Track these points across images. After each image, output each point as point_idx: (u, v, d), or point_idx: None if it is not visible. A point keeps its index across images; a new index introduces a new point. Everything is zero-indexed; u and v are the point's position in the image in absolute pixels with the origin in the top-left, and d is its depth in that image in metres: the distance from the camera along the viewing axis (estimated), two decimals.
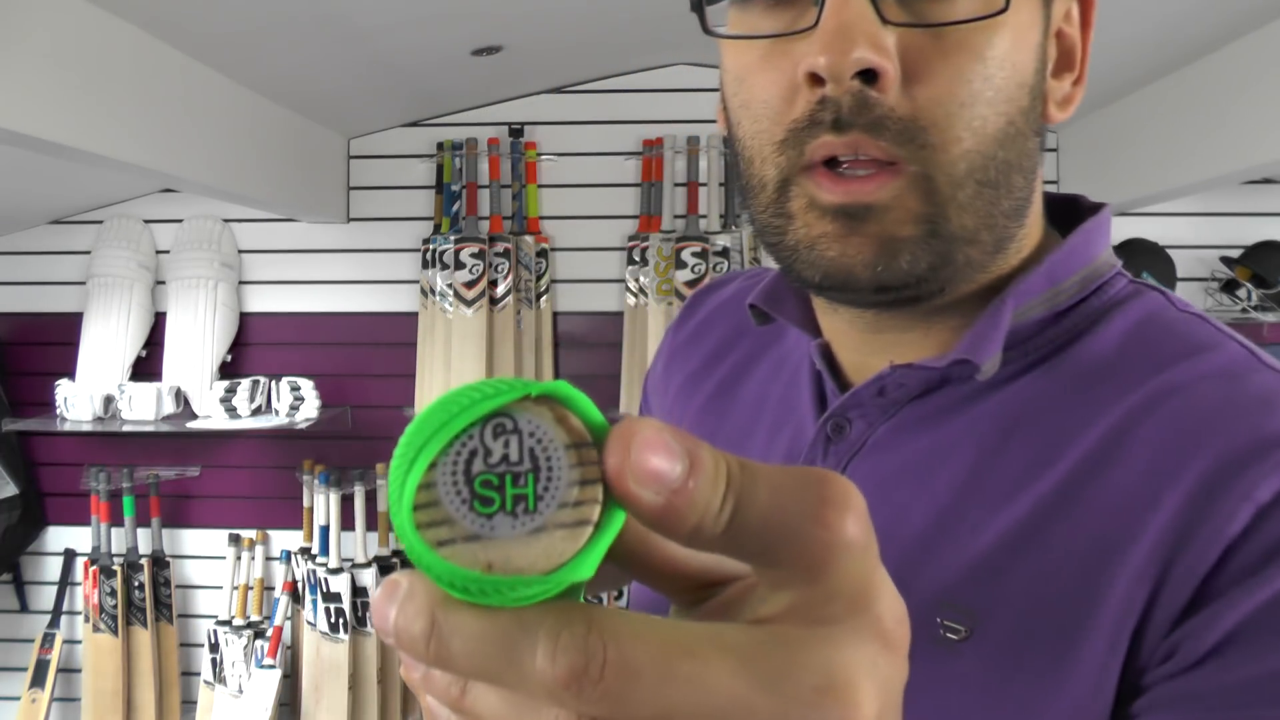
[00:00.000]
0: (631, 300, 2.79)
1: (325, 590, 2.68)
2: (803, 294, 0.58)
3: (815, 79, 0.44)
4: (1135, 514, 0.43)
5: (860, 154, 0.45)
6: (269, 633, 2.74)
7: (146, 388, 2.66)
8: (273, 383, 2.74)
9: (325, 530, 2.73)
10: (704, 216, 2.79)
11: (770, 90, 0.46)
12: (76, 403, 2.65)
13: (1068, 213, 0.54)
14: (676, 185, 2.83)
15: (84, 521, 2.84)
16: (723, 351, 0.63)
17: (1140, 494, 0.43)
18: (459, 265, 2.76)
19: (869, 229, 0.46)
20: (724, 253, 2.73)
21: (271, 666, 2.70)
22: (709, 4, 0.47)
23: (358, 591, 2.71)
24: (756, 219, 0.50)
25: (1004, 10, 0.43)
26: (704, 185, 2.81)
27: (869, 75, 0.43)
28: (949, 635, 0.46)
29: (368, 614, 2.72)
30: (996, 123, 0.45)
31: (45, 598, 2.92)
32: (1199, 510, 0.42)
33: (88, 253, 2.89)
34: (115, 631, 2.71)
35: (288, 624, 2.79)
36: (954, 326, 0.52)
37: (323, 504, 2.74)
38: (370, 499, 2.79)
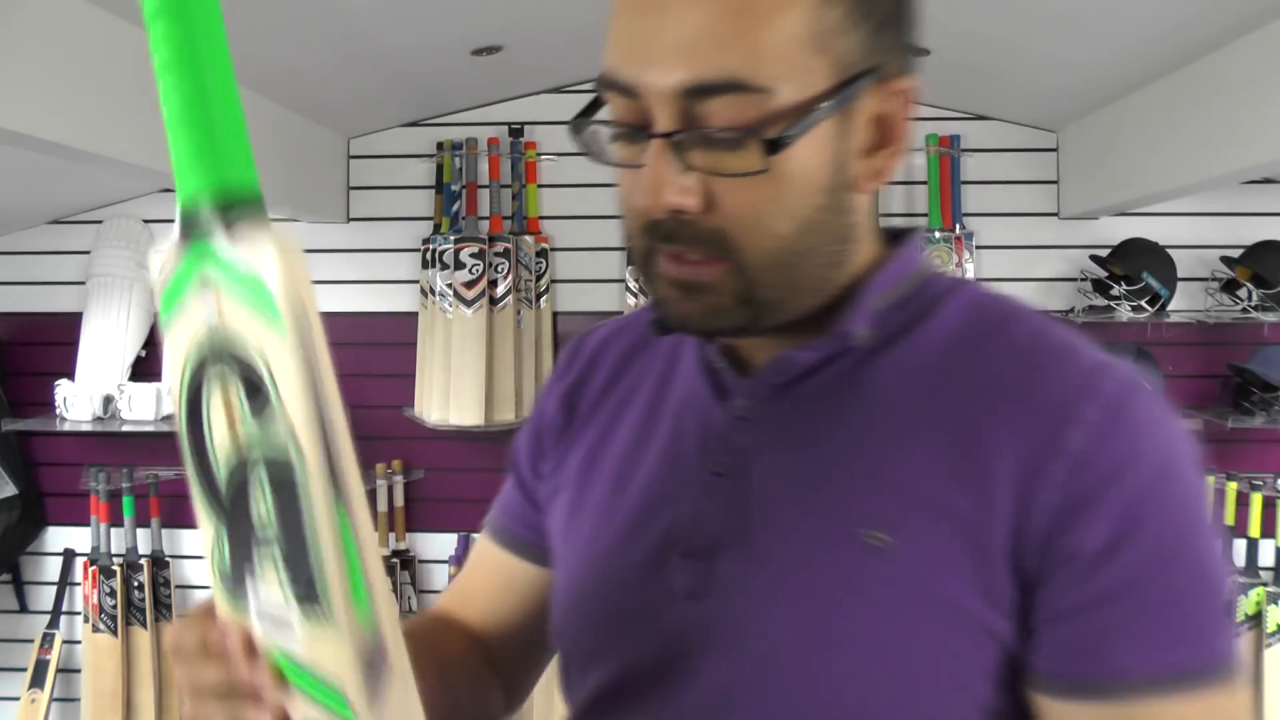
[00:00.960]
0: (632, 300, 2.79)
1: None
2: None
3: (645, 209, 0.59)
4: (998, 438, 0.59)
5: (684, 257, 0.60)
6: None
7: (146, 388, 2.66)
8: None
9: None
10: None
11: (630, 196, 0.61)
12: (76, 403, 2.65)
13: (896, 235, 0.70)
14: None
15: (83, 522, 2.84)
16: (615, 376, 0.76)
17: (997, 423, 0.59)
18: (459, 265, 2.76)
19: (699, 299, 0.61)
20: None
21: None
22: (582, 131, 0.63)
23: None
24: (639, 272, 0.64)
25: (764, 171, 0.56)
26: None
27: (677, 209, 0.58)
28: (873, 543, 0.59)
29: None
30: (789, 225, 0.59)
31: (45, 598, 2.92)
32: (1048, 436, 0.58)
33: (87, 253, 2.89)
34: (115, 632, 2.71)
35: None
36: (823, 318, 0.64)
37: None
38: (370, 499, 2.78)
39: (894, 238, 0.69)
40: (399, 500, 2.85)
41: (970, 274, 2.74)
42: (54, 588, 2.89)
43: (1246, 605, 2.63)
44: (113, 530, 2.81)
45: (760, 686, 0.61)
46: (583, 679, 0.70)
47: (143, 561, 2.78)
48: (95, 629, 2.72)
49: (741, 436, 0.66)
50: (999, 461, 0.58)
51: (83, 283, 2.88)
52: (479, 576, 0.85)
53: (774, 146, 0.56)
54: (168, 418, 2.68)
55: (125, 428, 2.66)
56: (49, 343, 2.90)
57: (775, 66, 0.56)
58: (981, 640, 0.59)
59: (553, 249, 2.87)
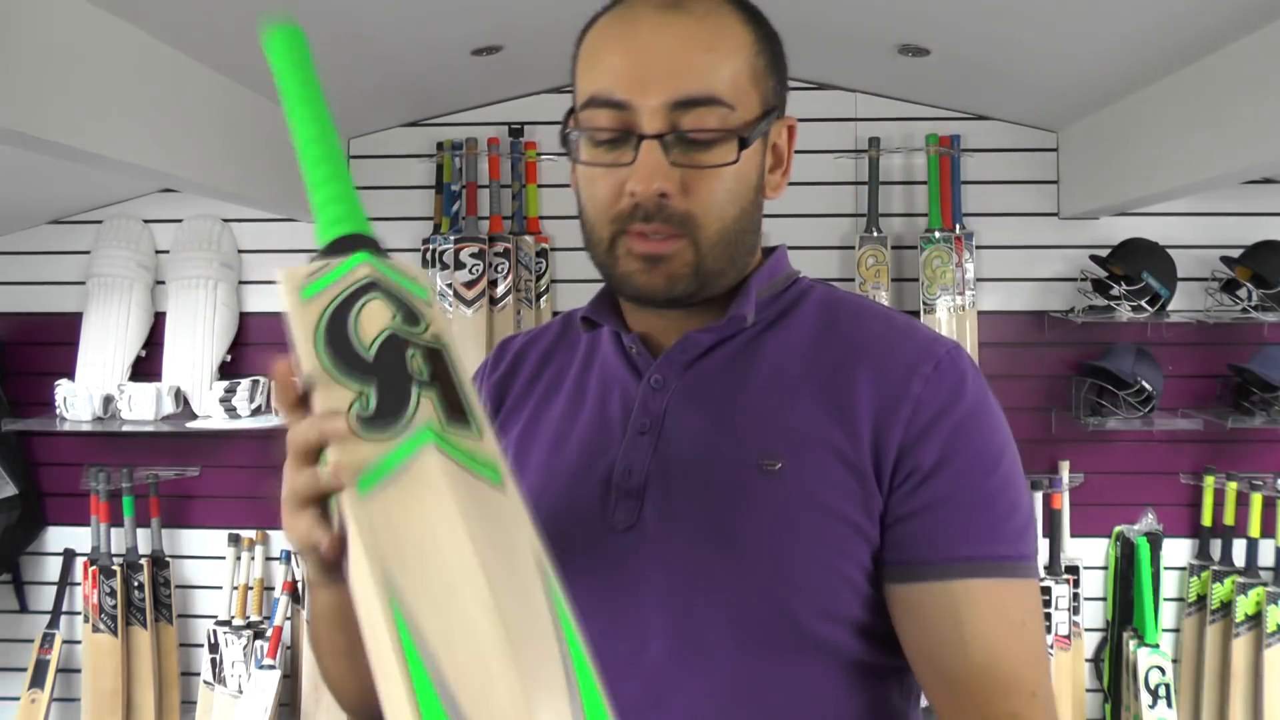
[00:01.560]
0: None
1: None
2: (615, 305, 0.90)
3: (633, 194, 0.77)
4: (858, 387, 0.80)
5: (659, 233, 0.78)
6: (269, 633, 2.74)
7: (146, 388, 2.66)
8: (273, 383, 2.74)
9: None
10: None
11: (606, 192, 0.79)
12: (76, 403, 2.65)
13: (768, 250, 0.92)
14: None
15: (84, 522, 2.84)
16: (539, 370, 0.94)
17: (856, 377, 0.80)
18: (459, 265, 2.76)
19: (661, 269, 0.79)
20: None
21: (271, 667, 2.70)
22: (568, 143, 0.82)
23: None
24: (596, 258, 0.83)
25: (735, 162, 0.78)
26: None
27: (663, 193, 0.77)
28: (768, 469, 0.78)
29: None
30: (734, 212, 0.80)
31: (45, 598, 2.92)
32: (895, 387, 0.79)
33: (88, 253, 2.89)
34: (115, 632, 2.71)
35: (287, 624, 2.79)
36: (718, 307, 0.85)
37: None
38: None
39: (766, 251, 0.91)
40: None
41: (970, 274, 2.75)
42: (54, 588, 2.89)
43: (1246, 605, 2.63)
44: (113, 530, 2.81)
45: (684, 588, 0.78)
46: None
47: (143, 561, 2.78)
48: (95, 629, 2.72)
49: (657, 402, 0.84)
50: (863, 406, 0.79)
51: (83, 283, 2.88)
52: None
53: (743, 144, 0.79)
54: (168, 418, 2.68)
55: (125, 428, 2.66)
56: (49, 343, 2.90)
57: (734, 91, 0.79)
58: (856, 539, 0.77)
59: (553, 249, 2.87)
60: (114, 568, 2.74)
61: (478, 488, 0.59)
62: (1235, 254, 2.67)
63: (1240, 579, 2.66)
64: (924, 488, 0.77)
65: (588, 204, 0.82)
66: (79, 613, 2.85)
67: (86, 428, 2.67)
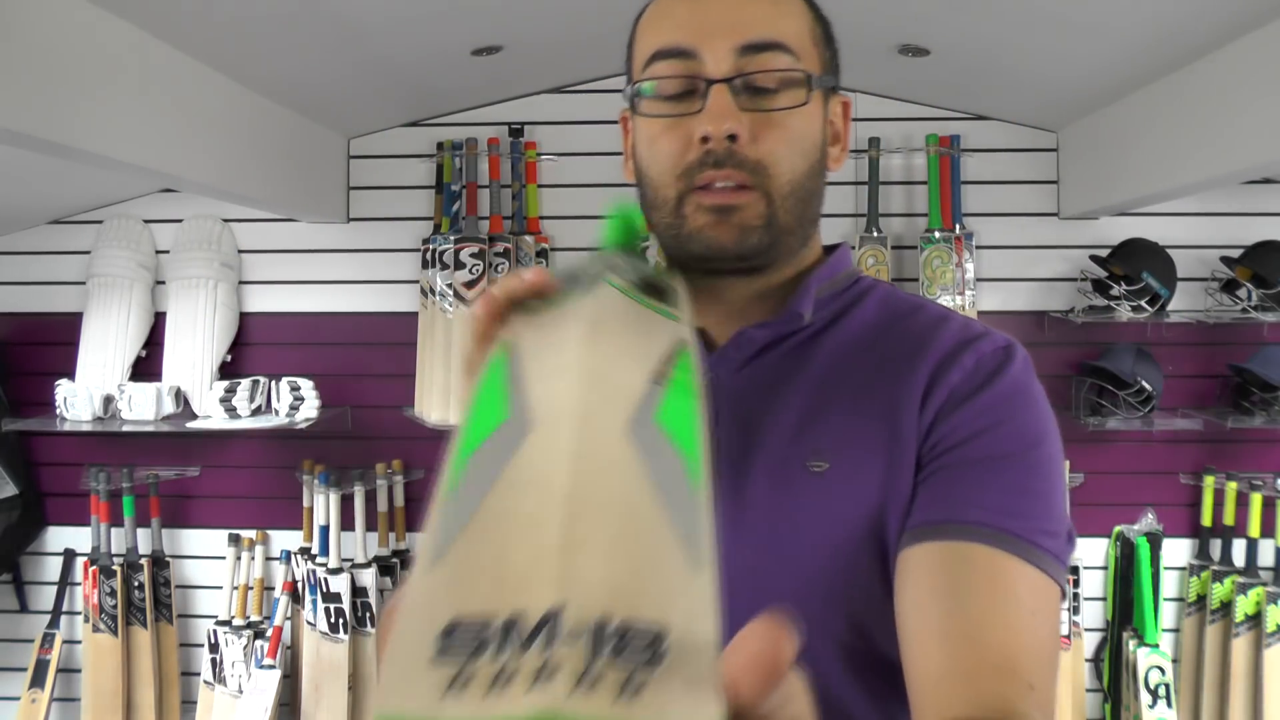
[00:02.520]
0: None
1: (325, 590, 2.68)
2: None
3: (704, 140, 0.77)
4: (904, 382, 0.78)
5: (731, 180, 0.77)
6: (269, 633, 2.74)
7: (146, 388, 2.67)
8: (273, 383, 2.74)
9: (325, 530, 2.73)
10: None
11: (673, 146, 0.79)
12: (76, 403, 2.65)
13: (829, 247, 0.92)
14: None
15: (84, 521, 2.84)
16: None
17: (905, 373, 0.79)
18: (459, 265, 2.76)
19: (733, 220, 0.78)
20: None
21: (271, 667, 2.70)
22: (634, 98, 0.82)
23: (358, 592, 2.71)
24: (660, 222, 0.81)
25: (805, 104, 0.79)
26: None
27: (732, 137, 0.76)
28: (815, 470, 0.78)
29: (368, 614, 2.72)
30: (803, 165, 0.80)
31: (45, 598, 2.92)
32: (935, 378, 0.78)
33: (88, 253, 2.89)
34: (115, 631, 2.71)
35: (288, 624, 2.79)
36: (777, 300, 0.85)
37: (322, 504, 2.74)
38: (370, 499, 2.79)
39: (828, 249, 0.90)
40: (399, 500, 2.85)
41: (970, 274, 2.75)
42: (54, 588, 2.90)
43: (1246, 605, 2.63)
44: (113, 530, 2.81)
45: (726, 592, 0.70)
46: None
47: (143, 561, 2.78)
48: (95, 629, 2.72)
49: (711, 401, 0.80)
50: (907, 403, 0.78)
51: (83, 283, 2.88)
52: None
53: (810, 85, 0.79)
54: (168, 418, 2.69)
55: (125, 428, 2.66)
56: (49, 343, 2.90)
57: (798, 42, 0.80)
58: (895, 527, 0.75)
59: (553, 249, 2.87)
60: (114, 568, 2.74)
61: (645, 316, 0.55)
62: (1235, 254, 2.67)
63: (1240, 579, 2.66)
64: (946, 455, 0.75)
65: (652, 163, 0.81)
66: (79, 613, 2.85)
67: (87, 428, 2.67)
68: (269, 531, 2.89)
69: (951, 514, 0.73)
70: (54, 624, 2.86)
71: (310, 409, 2.69)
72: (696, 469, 0.43)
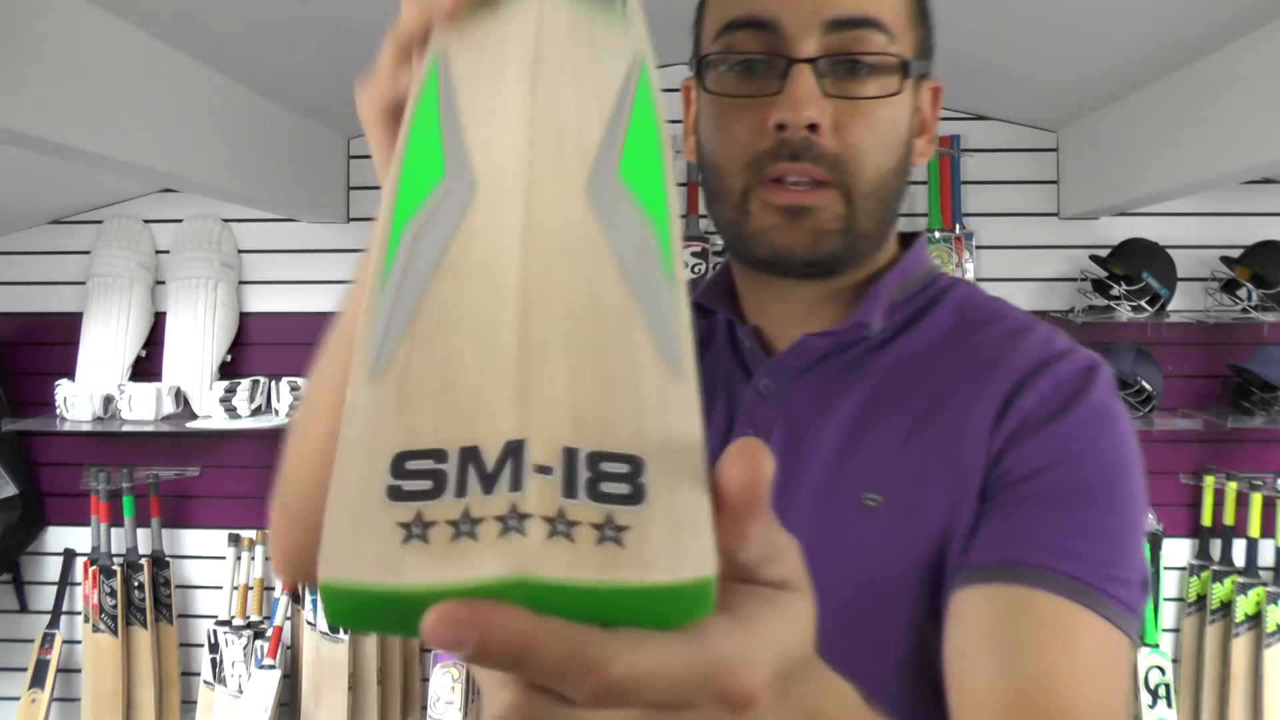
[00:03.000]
0: None
1: None
2: (730, 291, 0.81)
3: (780, 127, 0.68)
4: (972, 406, 0.69)
5: (807, 176, 0.68)
6: (269, 633, 2.74)
7: (146, 388, 2.66)
8: (273, 383, 2.74)
9: None
10: (704, 216, 2.79)
11: (743, 130, 0.69)
12: (76, 403, 2.65)
13: (905, 237, 0.82)
14: (677, 185, 2.83)
15: (84, 521, 2.84)
16: None
17: (974, 396, 0.69)
18: None
19: (806, 223, 0.69)
20: (723, 252, 2.73)
21: (271, 667, 2.70)
22: (701, 71, 0.73)
23: None
24: (722, 216, 0.73)
25: (897, 93, 0.70)
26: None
27: (813, 126, 0.67)
28: (869, 504, 0.69)
29: None
30: (889, 160, 0.71)
31: (45, 598, 2.92)
32: (1008, 401, 0.68)
33: (88, 253, 2.89)
34: (115, 632, 2.71)
35: (288, 624, 2.79)
36: (845, 304, 0.76)
37: None
38: None
39: (903, 239, 0.81)
40: None
41: (970, 274, 2.75)
42: (54, 588, 2.89)
43: (1246, 605, 2.63)
44: (113, 530, 2.81)
45: None
46: None
47: (143, 561, 2.78)
48: (95, 629, 2.72)
49: (764, 413, 0.74)
50: (973, 425, 0.68)
51: (83, 283, 2.88)
52: None
53: (905, 71, 0.70)
54: (168, 418, 2.68)
55: (125, 428, 2.66)
56: (49, 343, 2.90)
57: (894, 20, 0.70)
58: (956, 562, 0.67)
59: None
60: (114, 568, 2.74)
61: (594, 27, 0.43)
62: (1235, 254, 2.67)
63: (1240, 579, 2.66)
64: (1015, 487, 0.66)
65: (718, 147, 0.71)
66: (79, 613, 2.85)
67: (87, 428, 2.67)
68: (269, 532, 2.89)
69: (1013, 555, 0.63)
70: (54, 624, 2.85)
71: None
72: (668, 243, 0.37)
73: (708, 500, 0.30)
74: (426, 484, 0.29)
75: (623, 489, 0.29)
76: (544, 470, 0.29)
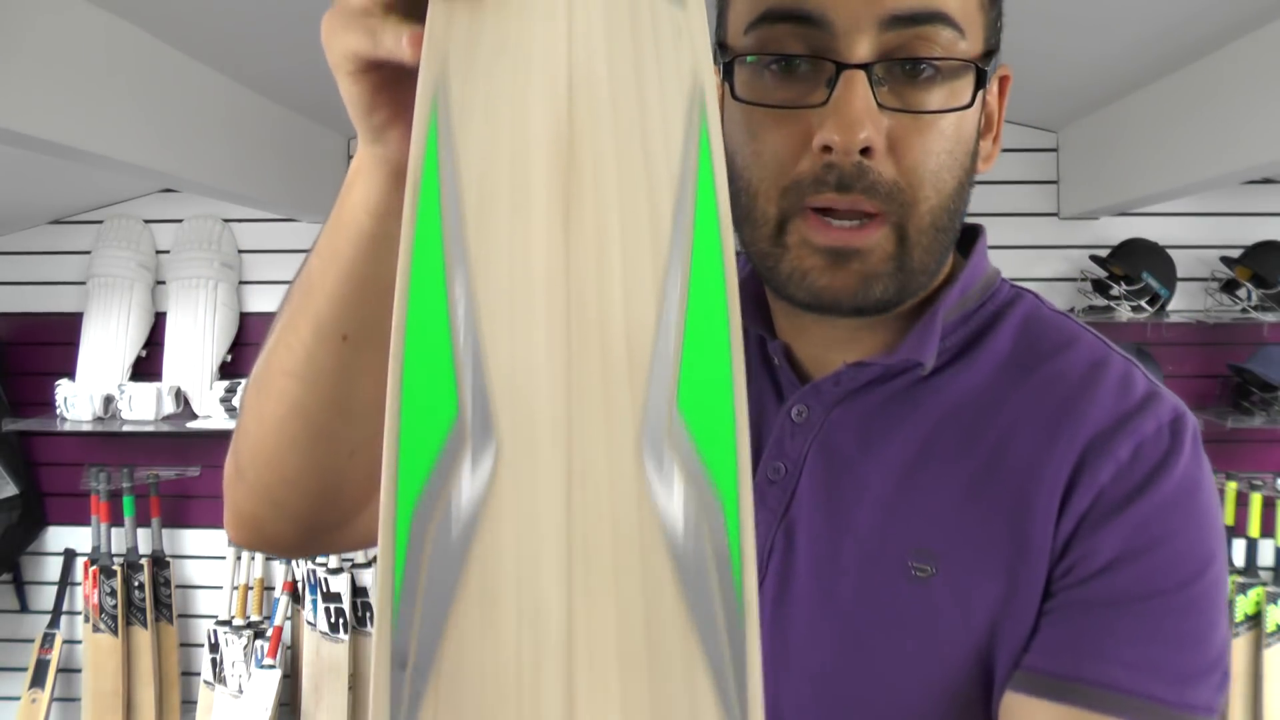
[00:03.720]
0: None
1: (325, 590, 2.68)
2: (760, 300, 0.69)
3: (826, 149, 0.55)
4: (1039, 471, 0.58)
5: (857, 209, 0.56)
6: (269, 633, 2.74)
7: (146, 388, 2.66)
8: None
9: None
10: None
11: (780, 146, 0.57)
12: (76, 403, 2.65)
13: (964, 235, 0.69)
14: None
15: (84, 521, 2.84)
16: None
17: (1041, 456, 0.58)
18: None
19: (853, 267, 0.58)
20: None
21: (271, 666, 2.70)
22: (728, 76, 0.59)
23: (358, 591, 2.71)
24: (754, 246, 0.61)
25: (969, 106, 0.57)
26: None
27: (865, 150, 0.55)
28: (918, 574, 0.59)
29: (368, 614, 2.72)
30: (952, 183, 0.59)
31: (45, 598, 2.92)
32: (1079, 470, 0.57)
33: (88, 253, 2.89)
34: (115, 631, 2.71)
35: (288, 624, 2.79)
36: (894, 330, 0.65)
37: None
38: None
39: (962, 237, 0.68)
40: None
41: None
42: (54, 587, 2.89)
43: (1246, 605, 2.63)
44: (113, 530, 2.81)
45: (802, 701, 0.60)
46: None
47: (143, 561, 2.78)
48: (96, 629, 2.72)
49: (796, 445, 0.64)
50: (1039, 495, 0.58)
51: (83, 283, 2.88)
52: None
53: (979, 79, 0.57)
54: (168, 418, 2.68)
55: (125, 428, 2.66)
56: (49, 343, 2.90)
57: (963, 11, 0.57)
58: (1005, 661, 0.58)
59: None
60: (114, 568, 2.74)
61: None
62: (1235, 254, 2.67)
63: (1240, 579, 2.66)
64: (1085, 585, 0.56)
65: (750, 165, 0.59)
66: (79, 613, 2.85)
67: (87, 428, 2.67)
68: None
69: (1081, 670, 0.55)
70: (54, 624, 2.85)
71: None
72: (737, 534, 0.29)
73: None
74: None
75: None
76: None
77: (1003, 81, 0.66)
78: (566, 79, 0.32)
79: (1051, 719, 0.55)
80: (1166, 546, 0.56)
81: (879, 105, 0.55)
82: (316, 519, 0.62)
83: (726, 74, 0.60)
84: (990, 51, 0.60)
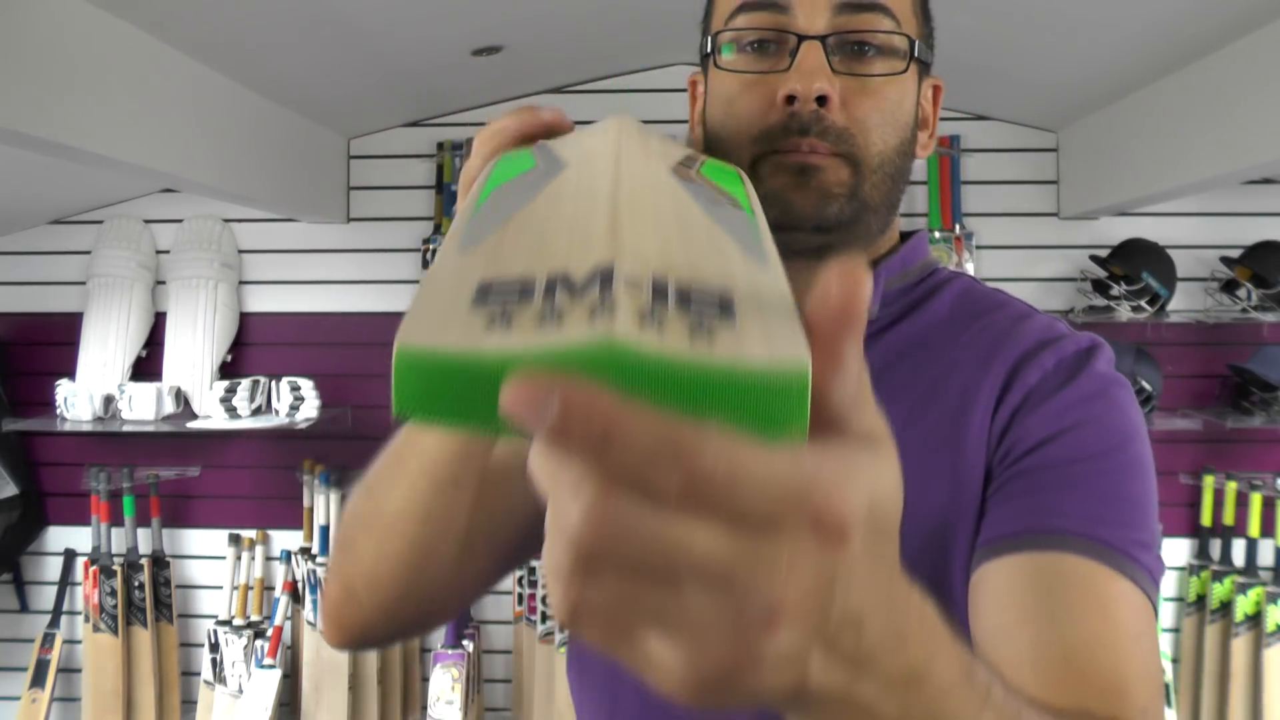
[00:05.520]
0: None
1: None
2: None
3: (789, 100, 0.70)
4: (976, 389, 0.71)
5: (814, 150, 0.70)
6: (269, 633, 2.74)
7: (146, 388, 2.66)
8: (273, 383, 2.74)
9: (325, 530, 2.73)
10: None
11: (754, 104, 0.71)
12: (77, 403, 2.65)
13: (906, 234, 0.84)
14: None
15: (84, 521, 2.84)
16: None
17: (978, 379, 0.71)
18: None
19: (813, 183, 0.70)
20: None
21: (271, 666, 2.70)
22: (711, 53, 0.75)
23: None
24: None
25: (904, 72, 0.72)
26: None
27: (822, 100, 0.69)
28: None
29: None
30: (894, 139, 0.73)
31: (45, 598, 2.92)
32: (1012, 378, 0.70)
33: (88, 253, 2.89)
34: (115, 631, 2.71)
35: (288, 624, 2.79)
36: None
37: (323, 504, 2.74)
38: None
39: (903, 237, 0.82)
40: None
41: (970, 274, 2.74)
42: (55, 587, 2.89)
43: (1246, 605, 2.63)
44: (113, 530, 2.81)
45: None
46: None
47: (143, 561, 2.78)
48: (96, 629, 2.72)
49: None
50: (975, 406, 0.70)
51: (83, 283, 2.88)
52: None
53: (912, 51, 0.72)
54: (168, 418, 2.68)
55: (126, 428, 2.66)
56: (49, 343, 2.90)
57: (900, 6, 0.73)
58: (961, 545, 0.68)
59: None
60: (114, 567, 2.74)
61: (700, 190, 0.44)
62: (1235, 254, 2.67)
63: (1239, 579, 2.66)
64: (1021, 461, 0.67)
65: (726, 122, 0.73)
66: (80, 612, 2.85)
67: (87, 428, 2.67)
68: (269, 531, 2.89)
69: (1037, 523, 0.63)
70: (54, 624, 2.85)
71: (310, 409, 2.69)
72: (747, 201, 0.39)
73: (801, 330, 0.29)
74: (513, 296, 0.28)
75: (714, 309, 0.28)
76: (634, 285, 0.28)
77: (935, 90, 0.81)
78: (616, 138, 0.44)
79: (1013, 569, 0.63)
80: (1091, 424, 0.67)
81: (832, 70, 0.70)
82: (427, 621, 0.78)
83: (713, 51, 0.75)
84: (925, 48, 0.76)
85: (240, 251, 2.92)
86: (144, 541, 2.84)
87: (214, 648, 2.76)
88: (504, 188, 0.40)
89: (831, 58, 0.70)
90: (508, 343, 0.26)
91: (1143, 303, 2.63)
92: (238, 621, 2.79)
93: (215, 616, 2.82)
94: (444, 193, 2.87)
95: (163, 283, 2.89)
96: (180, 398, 2.74)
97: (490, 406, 0.26)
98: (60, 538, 2.93)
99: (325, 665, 2.68)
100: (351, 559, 0.72)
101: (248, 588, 2.83)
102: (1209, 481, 2.75)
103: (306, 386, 2.70)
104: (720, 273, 0.31)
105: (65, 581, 2.89)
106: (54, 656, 2.79)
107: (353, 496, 0.73)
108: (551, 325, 0.26)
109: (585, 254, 0.30)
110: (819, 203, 0.70)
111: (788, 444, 0.27)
